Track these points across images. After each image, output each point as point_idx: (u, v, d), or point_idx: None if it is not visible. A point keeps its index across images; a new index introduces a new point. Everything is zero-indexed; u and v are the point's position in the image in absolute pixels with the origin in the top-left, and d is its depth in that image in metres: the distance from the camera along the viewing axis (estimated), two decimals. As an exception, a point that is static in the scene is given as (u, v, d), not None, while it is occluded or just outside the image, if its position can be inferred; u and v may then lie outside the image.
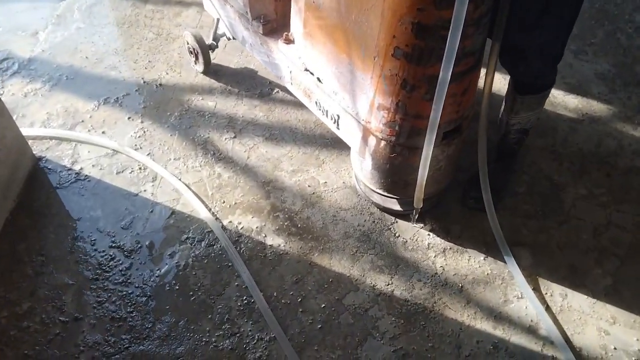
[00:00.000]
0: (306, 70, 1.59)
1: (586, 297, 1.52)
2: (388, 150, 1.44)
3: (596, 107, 2.03)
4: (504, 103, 1.68)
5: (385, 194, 1.60)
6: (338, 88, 1.49)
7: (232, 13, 1.83)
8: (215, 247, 1.59)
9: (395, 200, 1.65)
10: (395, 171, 1.49)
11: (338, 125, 1.58)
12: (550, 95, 1.99)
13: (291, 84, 1.70)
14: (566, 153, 1.87)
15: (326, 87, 1.54)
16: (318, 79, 1.56)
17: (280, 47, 1.67)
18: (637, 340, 1.44)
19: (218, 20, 1.90)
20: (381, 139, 1.43)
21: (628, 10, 2.45)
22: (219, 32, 1.97)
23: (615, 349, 1.43)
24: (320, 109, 1.62)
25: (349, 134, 1.55)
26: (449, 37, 1.11)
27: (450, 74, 1.17)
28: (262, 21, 1.69)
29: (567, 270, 1.57)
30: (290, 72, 1.67)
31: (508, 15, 1.27)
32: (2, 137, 1.59)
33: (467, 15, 1.09)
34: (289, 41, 1.64)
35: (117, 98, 1.99)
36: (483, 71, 1.40)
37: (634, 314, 1.49)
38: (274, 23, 1.71)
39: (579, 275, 1.57)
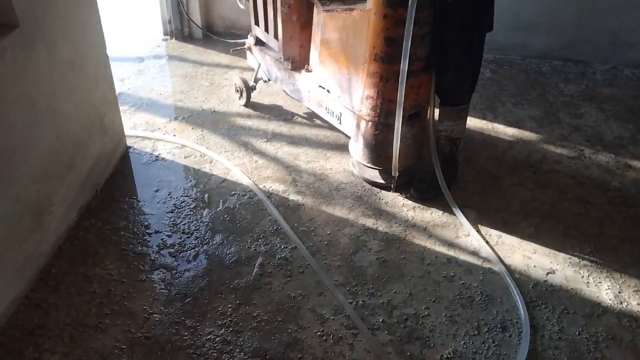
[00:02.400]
0: (319, 86, 2.40)
1: (515, 237, 2.16)
2: (373, 128, 2.19)
3: (528, 135, 2.80)
4: None
5: (373, 166, 2.31)
6: (340, 92, 2.29)
7: (269, 60, 2.69)
8: (254, 199, 2.27)
9: (379, 175, 2.35)
10: (378, 145, 2.22)
11: (340, 121, 2.35)
12: (493, 126, 2.78)
13: (309, 100, 2.51)
14: (504, 159, 2.60)
15: (332, 94, 2.34)
16: (327, 90, 2.36)
17: (302, 75, 2.50)
18: (550, 262, 2.06)
19: (259, 66, 2.76)
20: (368, 121, 2.19)
21: (554, 81, 3.33)
22: (258, 76, 2.82)
23: (535, 266, 2.04)
24: (328, 112, 2.40)
25: (348, 125, 2.32)
26: (404, 44, 1.92)
27: (407, 66, 1.96)
28: (290, 61, 2.55)
29: (501, 223, 2.23)
30: (309, 91, 2.48)
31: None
32: (113, 122, 2.35)
33: (414, 33, 1.91)
34: (308, 71, 2.48)
35: (184, 117, 2.78)
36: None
37: (548, 249, 2.11)
38: (297, 63, 2.56)
39: (510, 226, 2.21)
